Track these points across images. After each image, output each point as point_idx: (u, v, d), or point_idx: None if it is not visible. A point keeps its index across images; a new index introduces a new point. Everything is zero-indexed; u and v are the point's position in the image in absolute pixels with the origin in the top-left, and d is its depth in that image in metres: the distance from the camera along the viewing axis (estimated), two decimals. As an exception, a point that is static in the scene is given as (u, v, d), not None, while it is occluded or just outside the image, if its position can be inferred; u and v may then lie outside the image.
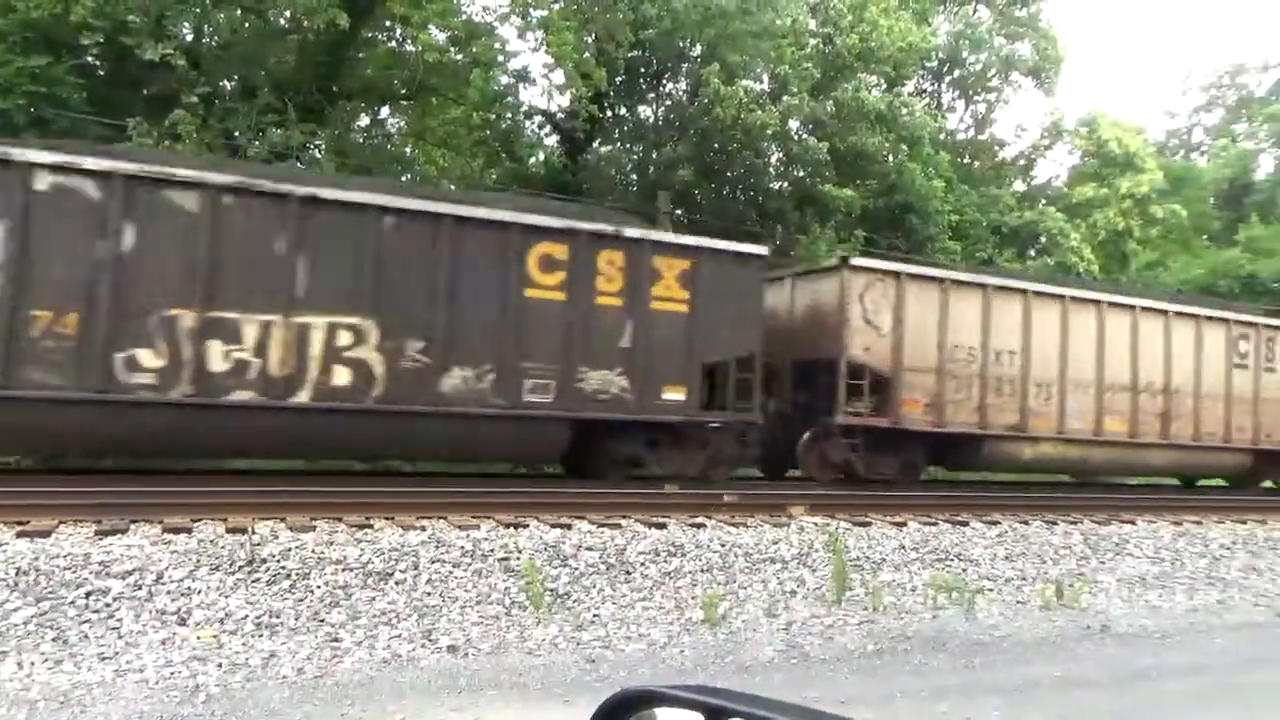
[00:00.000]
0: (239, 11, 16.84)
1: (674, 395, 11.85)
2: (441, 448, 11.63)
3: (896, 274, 13.67)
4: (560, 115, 22.30)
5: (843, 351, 13.08)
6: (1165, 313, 15.94)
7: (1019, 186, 31.66)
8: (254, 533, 7.31)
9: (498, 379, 10.87)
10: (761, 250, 12.87)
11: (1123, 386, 15.29)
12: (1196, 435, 16.00)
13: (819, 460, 13.50)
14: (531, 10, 17.94)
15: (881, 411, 13.36)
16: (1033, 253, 27.12)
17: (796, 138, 21.96)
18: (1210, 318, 16.47)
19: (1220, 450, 16.49)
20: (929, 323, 13.73)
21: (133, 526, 7.42)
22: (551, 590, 7.25)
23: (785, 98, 21.56)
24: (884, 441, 13.52)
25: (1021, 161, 33.05)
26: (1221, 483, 18.92)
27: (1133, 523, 11.94)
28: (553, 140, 24.07)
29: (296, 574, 6.80)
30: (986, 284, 14.34)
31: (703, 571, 8.13)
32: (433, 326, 10.61)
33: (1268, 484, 18.02)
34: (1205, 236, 37.45)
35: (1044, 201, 29.74)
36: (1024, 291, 14.67)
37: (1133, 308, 15.66)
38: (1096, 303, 15.25)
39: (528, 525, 8.60)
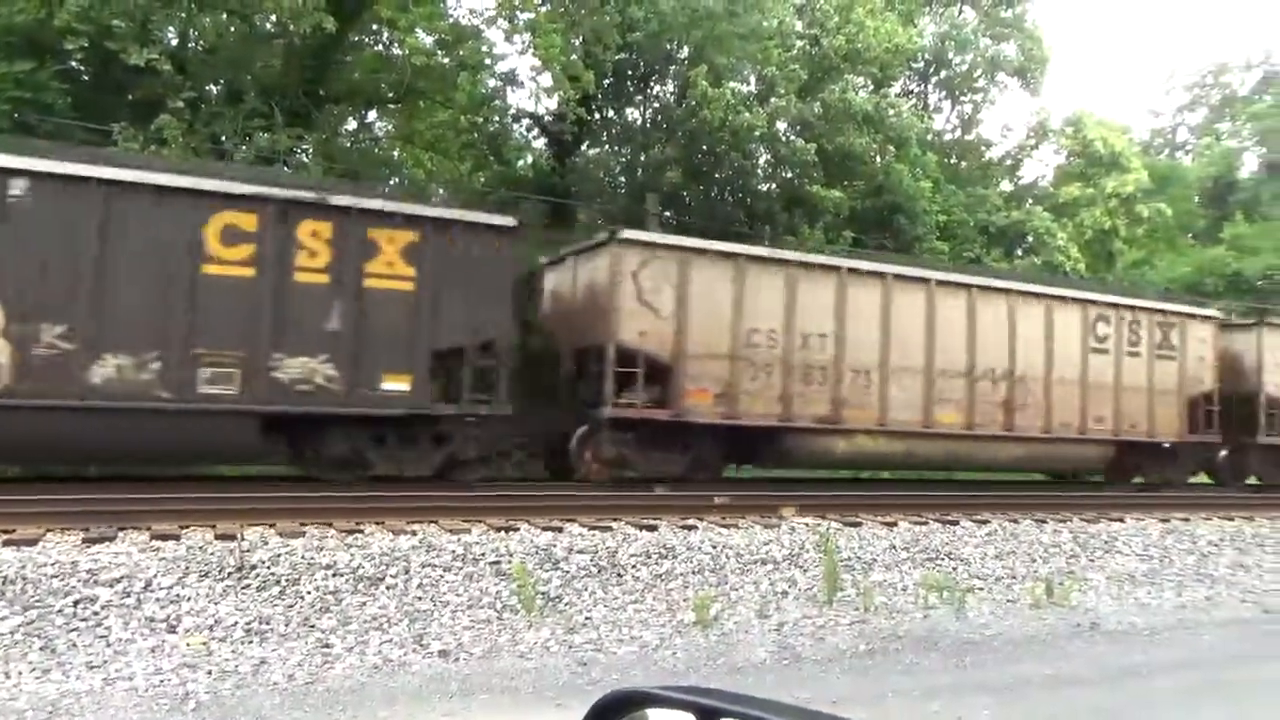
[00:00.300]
0: (224, 16, 16.78)
1: (396, 385, 10.56)
2: (94, 448, 10.16)
3: (679, 249, 12.36)
4: (548, 118, 22.27)
5: (611, 336, 11.76)
6: (1008, 292, 14.87)
7: (1006, 186, 31.81)
8: (243, 539, 7.27)
9: (165, 368, 9.53)
10: (508, 221, 11.48)
11: (958, 373, 14.07)
12: (1047, 426, 14.84)
13: (593, 459, 12.06)
14: (518, 13, 17.91)
15: (662, 403, 12.03)
16: (1020, 252, 27.25)
17: (784, 139, 22.01)
18: (1062, 298, 15.36)
19: (1076, 442, 15.33)
20: (721, 304, 12.39)
21: (121, 534, 7.38)
22: (543, 593, 7.24)
23: (773, 99, 21.61)
24: (668, 437, 12.25)
25: (1008, 162, 33.21)
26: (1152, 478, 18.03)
27: (1121, 520, 12.00)
28: (541, 143, 24.05)
29: (286, 580, 6.77)
30: (790, 260, 13.14)
31: (694, 573, 8.13)
32: (77, 307, 9.24)
33: (1138, 479, 16.72)
34: (1191, 235, 37.72)
35: (1031, 201, 29.88)
36: (837, 269, 13.45)
37: (968, 287, 14.49)
38: (924, 281, 14.06)
39: (519, 529, 8.59)
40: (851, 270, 13.48)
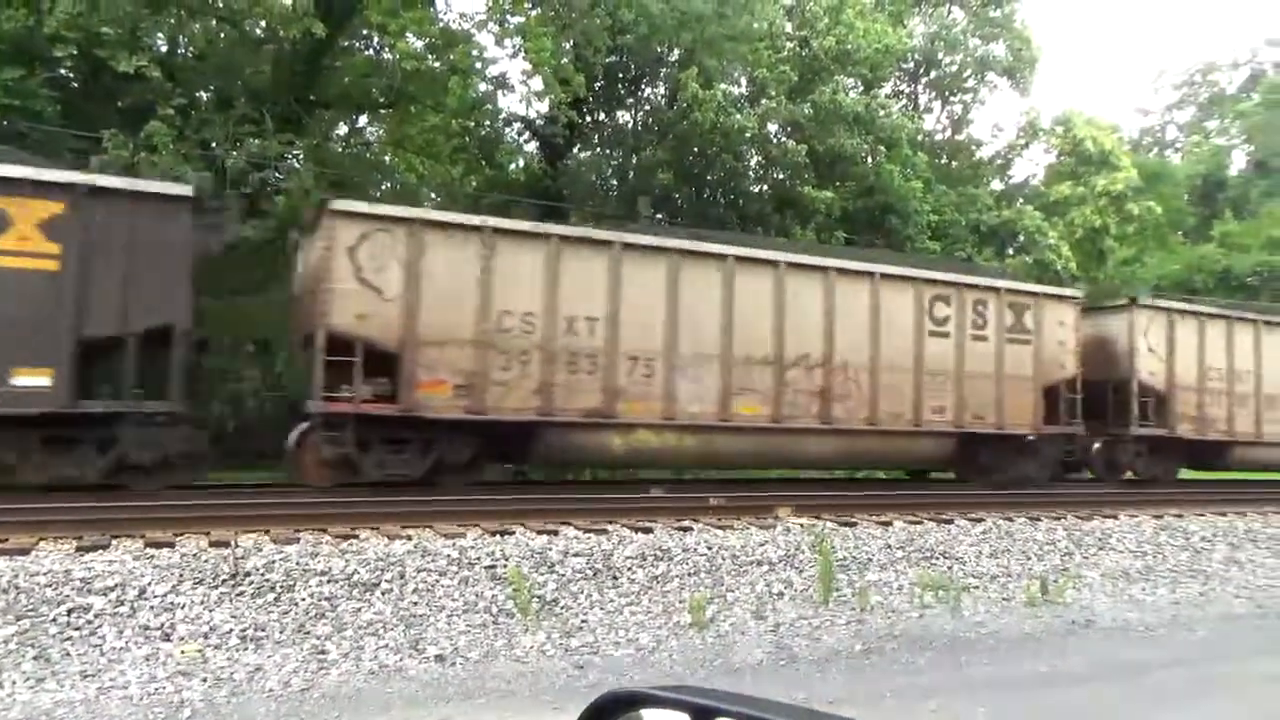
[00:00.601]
0: (214, 22, 16.75)
1: (31, 380, 9.11)
2: None
3: (409, 221, 10.86)
4: (539, 121, 22.28)
5: (322, 321, 10.43)
6: (824, 270, 13.25)
7: (996, 186, 31.93)
8: (237, 546, 7.25)
9: None
10: (184, 190, 10.13)
11: (763, 360, 12.58)
12: (873, 418, 13.33)
13: (312, 461, 10.80)
14: (509, 17, 17.93)
15: (391, 396, 10.68)
16: (1011, 251, 27.34)
17: (775, 140, 22.08)
18: (892, 276, 13.80)
19: (909, 436, 13.90)
20: (464, 283, 10.95)
21: (114, 542, 7.35)
22: (539, 597, 7.24)
23: (763, 101, 21.68)
24: (403, 435, 10.92)
25: (998, 161, 33.33)
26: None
27: (1115, 517, 12.04)
28: (532, 146, 24.05)
29: (281, 586, 6.75)
30: (551, 234, 11.57)
31: (690, 575, 8.14)
32: None
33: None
34: (1181, 233, 37.90)
35: (1021, 200, 30.01)
36: (609, 244, 11.88)
37: (775, 264, 12.91)
38: (720, 258, 12.54)
39: (514, 532, 8.59)
40: (629, 246, 11.91)
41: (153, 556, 6.94)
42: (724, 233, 16.35)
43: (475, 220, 11.35)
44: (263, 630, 6.22)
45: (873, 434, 13.50)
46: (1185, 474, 18.53)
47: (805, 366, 12.93)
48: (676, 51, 21.75)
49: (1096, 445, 16.18)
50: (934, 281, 14.14)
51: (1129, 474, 16.53)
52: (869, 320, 13.44)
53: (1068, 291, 16.25)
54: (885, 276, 13.72)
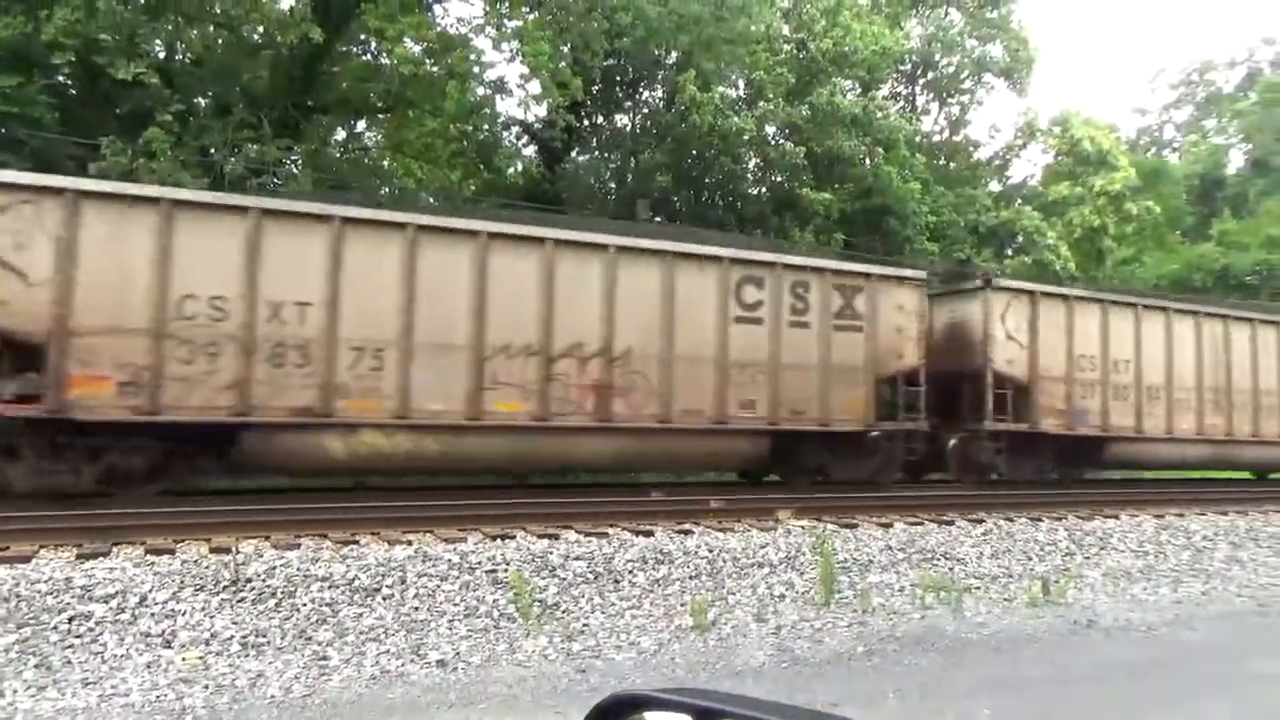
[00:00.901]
0: (212, 28, 16.75)
1: None
2: None
3: (60, 191, 9.38)
4: (537, 125, 22.32)
5: None
6: (604, 248, 11.86)
7: (994, 186, 32.00)
8: (238, 552, 7.25)
9: None
10: None
11: (525, 350, 11.27)
12: (665, 415, 11.99)
13: None
14: (506, 21, 17.95)
15: (40, 395, 9.30)
16: (1010, 252, 27.37)
17: (773, 142, 22.11)
18: (690, 255, 12.34)
19: (712, 434, 12.43)
20: (135, 262, 9.60)
21: (115, 549, 7.35)
22: (540, 601, 7.23)
23: (761, 103, 21.71)
24: (59, 441, 9.60)
25: (996, 162, 33.40)
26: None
27: (1116, 517, 12.04)
28: (530, 150, 24.08)
29: (282, 592, 6.74)
30: (250, 208, 10.18)
31: (691, 578, 8.13)
32: None
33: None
34: (1179, 232, 37.92)
35: (1020, 201, 30.04)
36: (327, 219, 10.43)
37: (541, 241, 11.49)
38: (473, 234, 11.10)
39: (514, 536, 8.59)
40: (351, 221, 10.53)
41: (153, 563, 6.94)
42: (480, 208, 14.57)
43: (151, 191, 10.02)
44: (264, 636, 6.21)
45: (666, 433, 12.06)
46: (1192, 474, 18.57)
47: (579, 357, 11.55)
48: (674, 54, 21.79)
49: (952, 443, 14.78)
50: (743, 262, 12.67)
51: (994, 475, 15.03)
52: (661, 305, 12.04)
53: (908, 272, 14.38)
54: (681, 256, 12.24)
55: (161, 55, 16.72)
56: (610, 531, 9.05)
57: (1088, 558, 10.30)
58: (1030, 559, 9.95)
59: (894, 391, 13.93)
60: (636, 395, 11.87)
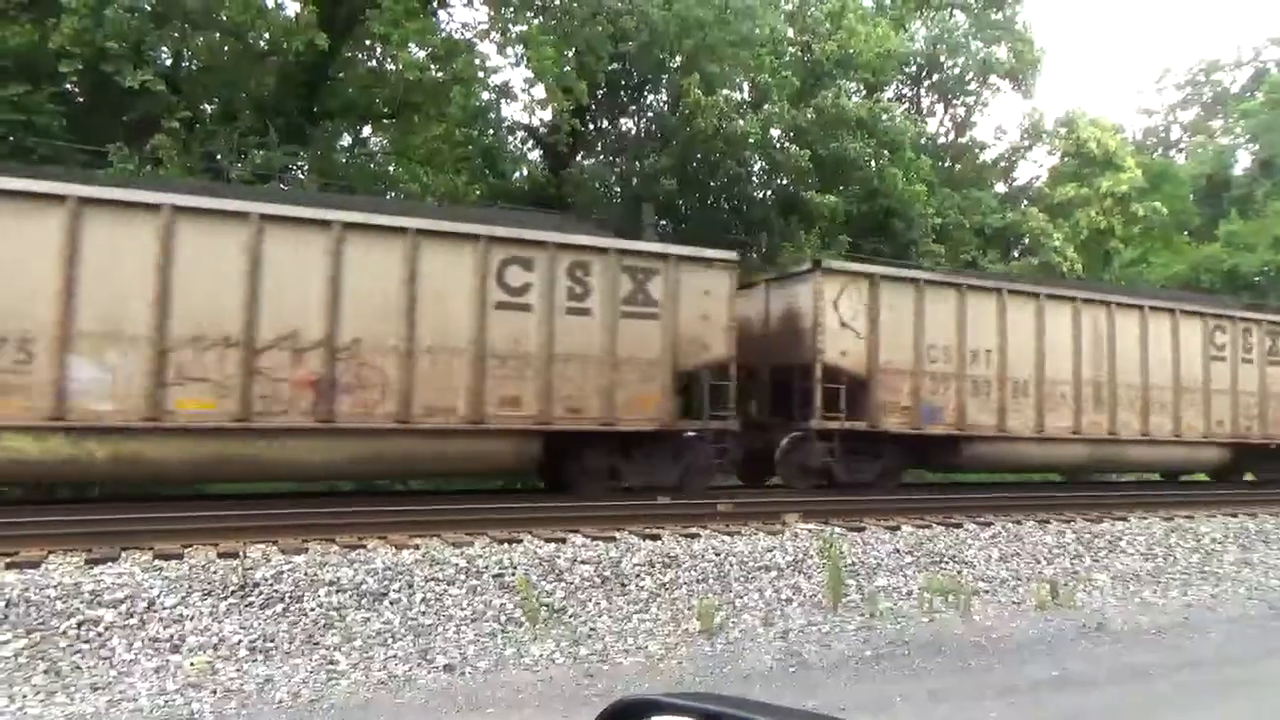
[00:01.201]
0: (218, 35, 16.82)
1: None
2: None
3: None
4: (542, 129, 22.34)
5: None
6: (327, 225, 10.41)
7: (1000, 188, 31.91)
8: (246, 556, 7.26)
9: None
10: None
11: (222, 341, 9.89)
12: (405, 414, 10.58)
13: None
14: (511, 26, 17.99)
15: None
16: (1016, 254, 27.30)
17: (778, 146, 22.07)
18: (438, 233, 10.91)
19: (466, 435, 10.95)
20: None
21: (123, 554, 7.36)
22: (547, 605, 7.23)
23: (766, 106, 21.68)
24: None
25: (1002, 163, 33.31)
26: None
27: (1125, 519, 11.99)
28: (536, 155, 24.11)
29: (290, 597, 6.75)
30: None
31: (698, 582, 8.12)
32: None
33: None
34: (1186, 233, 37.80)
35: (1026, 202, 29.98)
36: None
37: (245, 217, 10.08)
38: (152, 208, 9.70)
39: (522, 540, 8.58)
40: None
41: (161, 568, 6.96)
42: (181, 180, 12.68)
43: None
44: (272, 641, 6.22)
45: (406, 434, 10.69)
46: (1192, 478, 18.50)
47: (293, 349, 10.20)
48: (679, 58, 21.78)
49: (784, 443, 13.37)
50: (506, 240, 11.22)
51: (826, 481, 13.50)
52: (402, 290, 10.66)
53: (715, 252, 12.77)
54: (428, 234, 10.84)
55: (168, 62, 16.80)
56: (617, 535, 9.04)
57: (1096, 560, 10.27)
58: (1038, 562, 9.92)
59: (700, 387, 12.50)
60: (368, 392, 10.49)
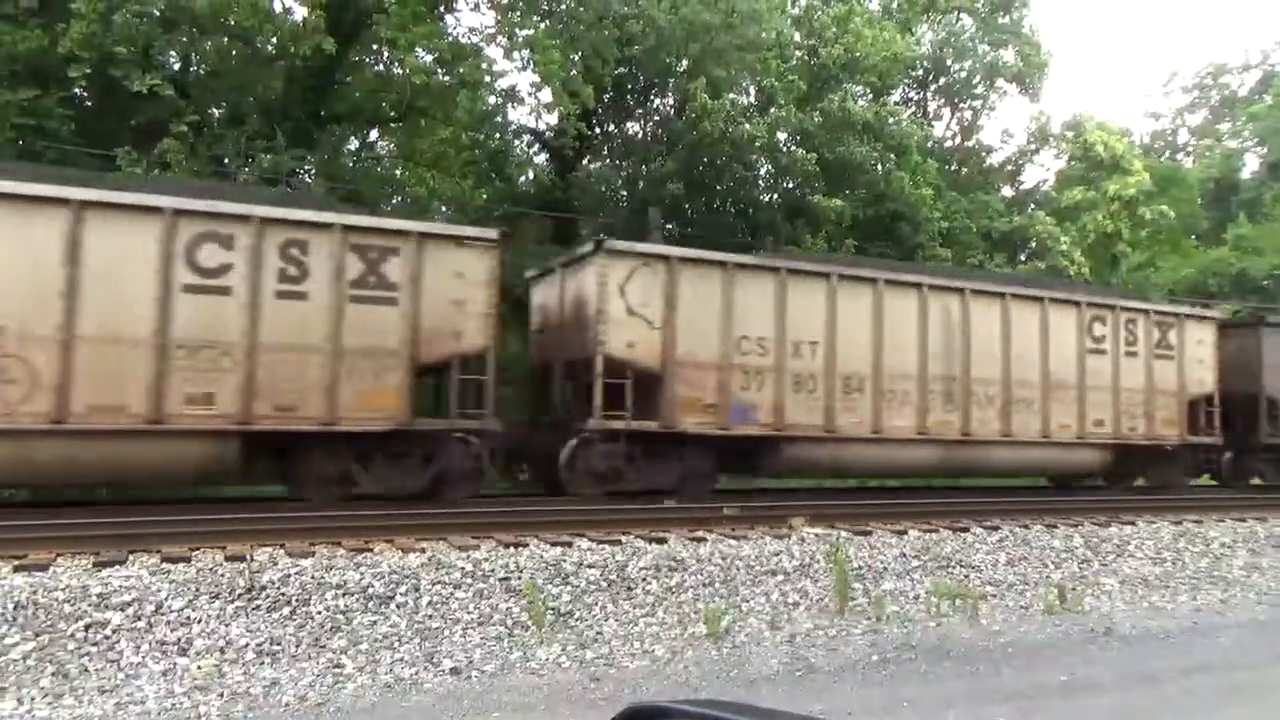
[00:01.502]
0: (226, 40, 16.89)
1: None
2: None
3: None
4: (549, 133, 22.40)
5: None
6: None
7: (1007, 192, 31.87)
8: (253, 559, 7.27)
9: None
10: None
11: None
12: (61, 412, 9.23)
13: None
14: (517, 30, 18.03)
15: None
16: (1023, 257, 27.24)
17: (785, 149, 22.07)
18: (108, 205, 9.54)
19: (145, 436, 9.64)
20: None
21: (131, 557, 7.38)
22: (553, 609, 7.22)
23: (772, 110, 21.70)
24: None
25: (1009, 167, 33.26)
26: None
27: (1133, 524, 11.95)
28: (542, 158, 24.17)
29: (296, 600, 6.76)
30: None
31: (704, 585, 8.11)
32: None
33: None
34: (1194, 236, 37.67)
35: (1033, 206, 29.91)
36: None
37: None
38: None
39: (528, 544, 8.58)
40: None
41: (169, 571, 6.97)
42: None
43: None
44: (278, 644, 6.23)
45: (63, 436, 9.31)
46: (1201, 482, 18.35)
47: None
48: (685, 62, 21.81)
49: (571, 445, 11.84)
50: (197, 214, 9.87)
51: (614, 486, 11.90)
52: (61, 271, 9.30)
53: (469, 230, 11.40)
54: (95, 205, 9.47)
55: (176, 67, 16.87)
56: (623, 539, 9.03)
57: (1105, 564, 10.23)
58: (1046, 566, 9.89)
59: (447, 382, 11.20)
60: (13, 388, 9.12)
